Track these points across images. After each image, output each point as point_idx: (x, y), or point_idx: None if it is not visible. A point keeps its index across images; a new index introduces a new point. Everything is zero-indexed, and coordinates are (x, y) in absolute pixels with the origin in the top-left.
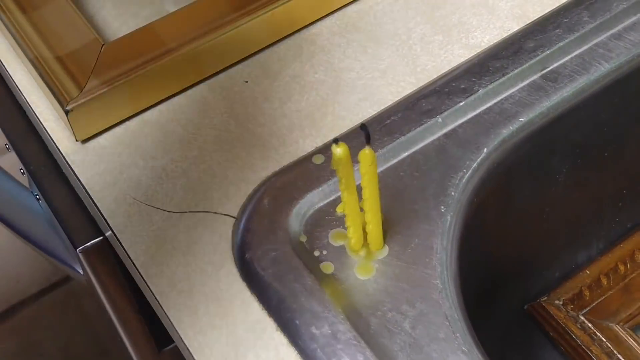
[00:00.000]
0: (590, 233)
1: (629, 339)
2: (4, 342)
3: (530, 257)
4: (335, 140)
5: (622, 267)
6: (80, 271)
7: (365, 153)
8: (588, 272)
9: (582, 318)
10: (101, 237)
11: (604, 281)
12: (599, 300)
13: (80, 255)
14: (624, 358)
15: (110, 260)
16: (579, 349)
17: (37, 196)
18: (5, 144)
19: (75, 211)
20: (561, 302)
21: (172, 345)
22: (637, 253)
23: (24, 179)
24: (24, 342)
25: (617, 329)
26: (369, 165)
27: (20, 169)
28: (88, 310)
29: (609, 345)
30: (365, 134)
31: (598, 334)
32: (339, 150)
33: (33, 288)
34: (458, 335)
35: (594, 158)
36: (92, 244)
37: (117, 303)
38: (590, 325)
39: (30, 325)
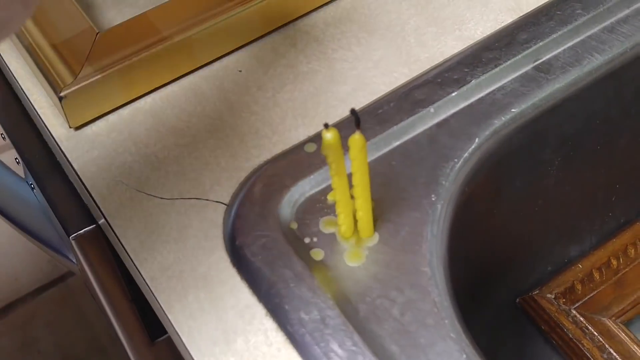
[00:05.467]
0: (583, 227)
1: (620, 333)
2: (2, 339)
3: (522, 249)
4: (326, 125)
5: (614, 262)
6: (74, 260)
7: (355, 138)
8: (580, 266)
9: (574, 312)
10: (94, 225)
11: (597, 275)
12: (591, 295)
13: (74, 243)
14: (615, 352)
15: (104, 248)
16: (571, 343)
17: (32, 185)
18: (1, 134)
19: (68, 199)
20: (553, 296)
21: (165, 336)
22: (630, 248)
23: (20, 169)
24: (22, 338)
25: (609, 323)
26: (358, 151)
27: (16, 159)
28: (85, 308)
29: (600, 339)
30: (355, 118)
31: (590, 327)
32: (329, 135)
33: (31, 285)
34: (446, 321)
35: (587, 151)
36: (85, 232)
37: (110, 292)
38: (582, 319)
39: (28, 322)
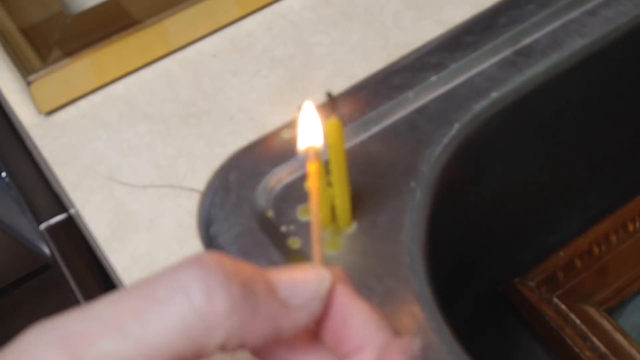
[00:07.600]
0: (564, 214)
1: (603, 321)
2: None
3: (503, 237)
4: (301, 108)
5: (596, 249)
6: (47, 250)
7: (332, 123)
8: (562, 254)
9: (556, 300)
10: (65, 214)
11: (578, 263)
12: (573, 283)
13: (44, 233)
14: (598, 340)
15: (76, 238)
16: (553, 331)
17: (4, 174)
18: None
19: (39, 187)
20: (535, 284)
21: None
22: (611, 235)
23: None
24: (4, 330)
25: (592, 311)
26: (335, 136)
27: None
28: (67, 299)
29: (583, 327)
30: (331, 103)
31: (572, 315)
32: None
33: (11, 277)
34: (426, 312)
35: (567, 136)
36: (56, 222)
37: (84, 282)
38: (564, 307)
39: (10, 313)
